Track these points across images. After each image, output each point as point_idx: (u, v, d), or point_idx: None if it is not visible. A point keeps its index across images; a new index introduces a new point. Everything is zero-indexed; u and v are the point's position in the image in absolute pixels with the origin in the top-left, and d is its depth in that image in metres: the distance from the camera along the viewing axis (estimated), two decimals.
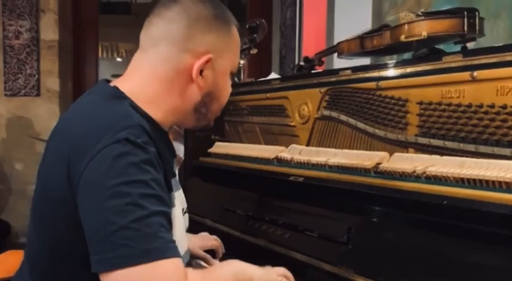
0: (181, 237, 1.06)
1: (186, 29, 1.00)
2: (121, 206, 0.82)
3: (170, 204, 0.96)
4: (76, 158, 0.88)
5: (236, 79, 2.18)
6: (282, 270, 1.05)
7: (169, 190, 0.99)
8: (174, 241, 0.88)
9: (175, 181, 1.08)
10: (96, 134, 0.88)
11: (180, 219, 1.06)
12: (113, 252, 0.81)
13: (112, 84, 1.02)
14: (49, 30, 3.94)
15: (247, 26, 2.01)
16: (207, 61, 1.01)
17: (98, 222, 0.84)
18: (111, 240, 0.82)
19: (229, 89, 1.10)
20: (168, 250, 0.85)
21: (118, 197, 0.83)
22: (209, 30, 1.02)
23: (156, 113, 1.01)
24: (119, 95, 0.97)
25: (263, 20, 1.99)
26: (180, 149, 2.34)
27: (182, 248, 1.03)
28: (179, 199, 1.09)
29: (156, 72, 1.00)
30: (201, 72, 1.01)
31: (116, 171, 0.84)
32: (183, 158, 2.26)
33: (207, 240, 1.44)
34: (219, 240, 1.46)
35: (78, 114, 0.98)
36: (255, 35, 1.97)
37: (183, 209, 1.13)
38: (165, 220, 0.88)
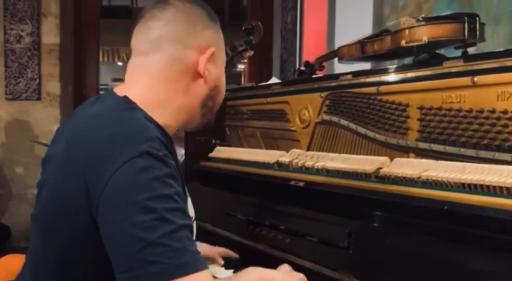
0: None
1: (187, 27, 1.02)
2: (148, 222, 0.82)
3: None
4: (95, 171, 0.87)
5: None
6: (300, 275, 1.06)
7: (186, 199, 1.00)
8: (199, 253, 0.88)
9: (186, 190, 1.08)
10: (116, 146, 0.88)
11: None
12: (144, 269, 0.81)
13: (118, 92, 1.01)
14: (50, 34, 3.94)
15: (243, 28, 2.01)
16: (212, 54, 1.04)
17: (125, 238, 0.83)
18: (141, 257, 0.81)
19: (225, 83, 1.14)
20: (197, 263, 0.85)
21: (145, 212, 0.83)
22: (206, 27, 1.05)
23: (166, 117, 1.01)
24: (131, 105, 0.97)
25: (259, 22, 2.00)
26: (179, 153, 2.34)
27: None
28: (189, 207, 1.09)
29: (163, 74, 1.01)
30: None
31: (140, 186, 0.84)
32: (181, 161, 2.26)
33: (212, 249, 1.44)
34: (228, 252, 1.46)
35: (91, 124, 0.96)
36: (251, 37, 1.98)
37: (192, 217, 1.13)
38: (190, 232, 0.88)
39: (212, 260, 1.43)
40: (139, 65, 1.03)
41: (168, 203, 0.85)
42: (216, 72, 1.07)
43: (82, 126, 0.97)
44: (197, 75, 1.03)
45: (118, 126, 0.92)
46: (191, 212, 1.10)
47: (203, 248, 1.40)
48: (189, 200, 1.13)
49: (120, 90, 1.02)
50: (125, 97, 0.99)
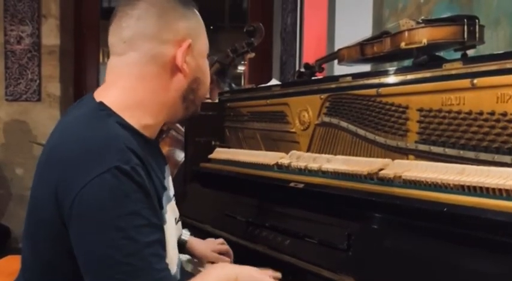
0: (174, 248, 1.06)
1: (159, 21, 0.99)
2: (115, 241, 0.84)
3: (162, 222, 0.97)
4: (65, 182, 0.88)
5: (234, 85, 2.18)
6: (270, 272, 1.06)
7: (161, 207, 0.99)
8: (167, 268, 0.90)
9: (166, 194, 1.07)
10: (84, 160, 0.88)
11: (172, 231, 1.05)
12: None
13: (96, 96, 1.00)
14: (50, 36, 3.95)
15: (244, 30, 2.01)
16: (188, 46, 1.01)
17: (92, 254, 0.85)
18: (107, 274, 0.84)
19: (209, 72, 1.11)
20: (162, 280, 0.88)
21: (112, 231, 0.84)
22: (180, 18, 1.02)
23: (146, 118, 1.00)
24: (105, 112, 0.96)
25: (260, 24, 2.00)
26: (180, 155, 2.34)
27: (174, 258, 1.03)
28: (171, 210, 1.08)
29: (140, 73, 0.99)
30: None
31: (108, 204, 0.85)
32: (181, 162, 2.26)
33: (214, 245, 1.44)
34: (225, 243, 1.46)
35: (64, 132, 0.96)
36: (252, 39, 1.98)
37: (175, 219, 1.13)
38: (159, 246, 0.90)
39: (227, 253, 1.43)
40: (117, 66, 1.02)
41: (135, 220, 0.86)
42: (195, 63, 1.04)
43: (57, 135, 0.98)
44: (176, 69, 1.01)
45: (88, 137, 0.91)
46: (173, 214, 1.10)
47: (200, 247, 1.40)
48: (172, 202, 1.12)
49: (99, 93, 1.01)
50: (100, 103, 0.97)
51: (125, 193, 0.86)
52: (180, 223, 1.18)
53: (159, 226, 0.93)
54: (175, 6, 1.02)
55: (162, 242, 0.92)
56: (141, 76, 0.99)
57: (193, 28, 1.04)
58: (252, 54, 2.01)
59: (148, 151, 0.96)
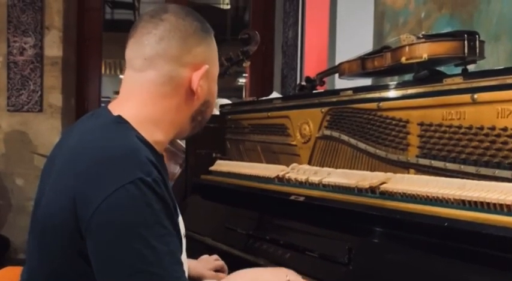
0: (183, 262, 1.06)
1: (181, 45, 1.02)
2: (137, 250, 0.85)
3: (179, 234, 0.98)
4: (85, 192, 0.88)
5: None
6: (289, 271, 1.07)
7: (176, 216, 1.01)
8: (184, 276, 0.91)
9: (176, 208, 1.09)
10: (107, 168, 0.89)
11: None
12: None
13: (112, 109, 1.01)
14: (53, 47, 3.97)
15: (239, 37, 2.00)
16: (205, 71, 1.03)
17: (112, 263, 0.86)
18: None
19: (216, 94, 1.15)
20: None
21: (134, 240, 0.85)
22: (200, 43, 1.05)
23: (157, 134, 1.02)
24: (124, 125, 0.98)
25: (256, 31, 1.99)
26: (175, 169, 2.34)
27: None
28: (180, 224, 1.09)
29: (156, 91, 1.01)
30: None
31: (132, 214, 0.86)
32: (177, 174, 2.26)
33: (210, 262, 1.44)
34: (219, 258, 1.46)
35: (84, 145, 0.96)
36: (247, 47, 1.97)
37: (183, 235, 1.13)
38: (178, 256, 0.91)
39: (222, 269, 1.43)
40: (133, 81, 1.03)
41: (157, 230, 0.88)
42: (207, 87, 1.06)
43: (75, 145, 0.97)
44: (190, 91, 1.03)
45: (109, 148, 0.92)
46: (182, 229, 1.10)
47: (197, 268, 1.40)
48: (180, 218, 1.13)
49: (114, 106, 1.02)
50: (119, 116, 0.99)
51: (148, 203, 0.87)
52: (184, 239, 1.18)
53: (177, 236, 0.94)
54: (196, 30, 1.04)
55: (180, 251, 0.94)
56: (156, 94, 1.01)
57: (210, 54, 1.07)
58: (247, 63, 1.99)
59: (160, 165, 0.98)
